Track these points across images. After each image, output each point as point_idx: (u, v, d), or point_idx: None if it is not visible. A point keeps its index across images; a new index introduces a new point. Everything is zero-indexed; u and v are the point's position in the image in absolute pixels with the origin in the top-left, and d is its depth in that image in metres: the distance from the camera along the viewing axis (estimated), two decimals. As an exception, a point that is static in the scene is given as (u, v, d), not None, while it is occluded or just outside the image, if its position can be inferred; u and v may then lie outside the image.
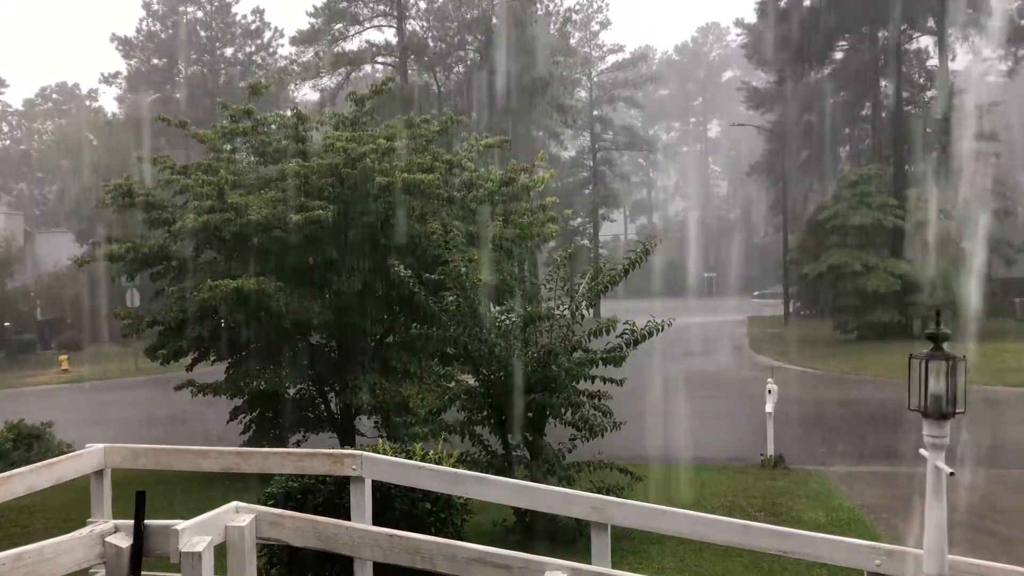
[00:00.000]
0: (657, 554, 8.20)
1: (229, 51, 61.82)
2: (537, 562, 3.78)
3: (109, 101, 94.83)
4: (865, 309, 33.41)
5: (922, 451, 3.94)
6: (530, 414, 9.01)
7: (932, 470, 3.88)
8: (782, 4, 44.21)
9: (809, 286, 39.22)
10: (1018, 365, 22.51)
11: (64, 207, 55.90)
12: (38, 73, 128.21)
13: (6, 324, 40.61)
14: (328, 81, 51.86)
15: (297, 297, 12.12)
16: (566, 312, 9.16)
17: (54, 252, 45.61)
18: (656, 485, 10.37)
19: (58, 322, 45.29)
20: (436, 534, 5.92)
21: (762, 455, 12.98)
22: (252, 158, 14.31)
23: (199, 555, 3.74)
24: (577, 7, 59.63)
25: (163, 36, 60.68)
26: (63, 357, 34.68)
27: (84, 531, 4.00)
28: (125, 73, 62.95)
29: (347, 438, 12.93)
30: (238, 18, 61.22)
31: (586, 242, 57.64)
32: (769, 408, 13.10)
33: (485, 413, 9.28)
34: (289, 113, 14.54)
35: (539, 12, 51.43)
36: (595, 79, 65.12)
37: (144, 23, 60.65)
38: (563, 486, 7.98)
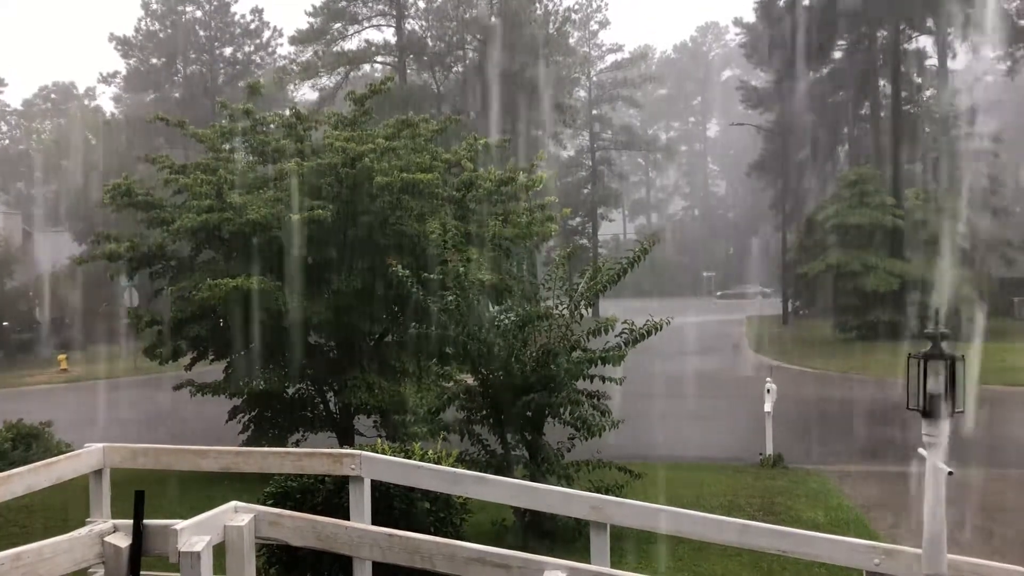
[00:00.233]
0: (656, 553, 8.20)
1: (228, 51, 61.79)
2: (536, 561, 3.78)
3: (108, 101, 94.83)
4: (864, 308, 33.43)
5: (921, 450, 3.94)
6: (529, 413, 9.01)
7: (931, 469, 3.88)
8: (781, 4, 44.23)
9: (808, 285, 39.23)
10: (1018, 364, 22.52)
11: (63, 207, 55.85)
12: (37, 73, 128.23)
13: (5, 324, 40.58)
14: (327, 81, 51.92)
15: (296, 297, 12.12)
16: (565, 311, 9.16)
17: (53, 252, 45.56)
18: (655, 484, 10.37)
19: (57, 321, 45.25)
20: (435, 534, 5.92)
21: (761, 454, 12.99)
22: (251, 158, 14.30)
23: (198, 555, 3.73)
24: (576, 7, 59.71)
25: (162, 36, 60.66)
26: (62, 357, 34.65)
27: (83, 531, 4.00)
28: (124, 73, 62.98)
29: (346, 438, 12.93)
30: (237, 18, 61.20)
31: (585, 241, 57.63)
32: (768, 407, 13.11)
33: (484, 412, 9.28)
34: (288, 112, 14.53)
35: (538, 11, 51.43)
36: (594, 78, 65.14)
37: (143, 23, 60.65)
38: (562, 485, 7.97)
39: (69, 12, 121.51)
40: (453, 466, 6.65)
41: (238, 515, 4.16)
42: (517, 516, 8.72)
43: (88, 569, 4.29)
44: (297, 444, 13.06)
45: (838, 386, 22.57)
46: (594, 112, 64.55)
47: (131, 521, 3.97)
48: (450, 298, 9.15)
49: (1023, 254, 37.40)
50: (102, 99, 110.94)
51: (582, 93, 64.20)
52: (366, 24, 52.02)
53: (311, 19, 50.69)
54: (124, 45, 60.41)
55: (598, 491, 7.81)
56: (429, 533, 5.57)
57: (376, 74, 52.86)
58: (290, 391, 13.25)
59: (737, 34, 65.53)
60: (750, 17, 52.96)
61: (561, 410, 8.94)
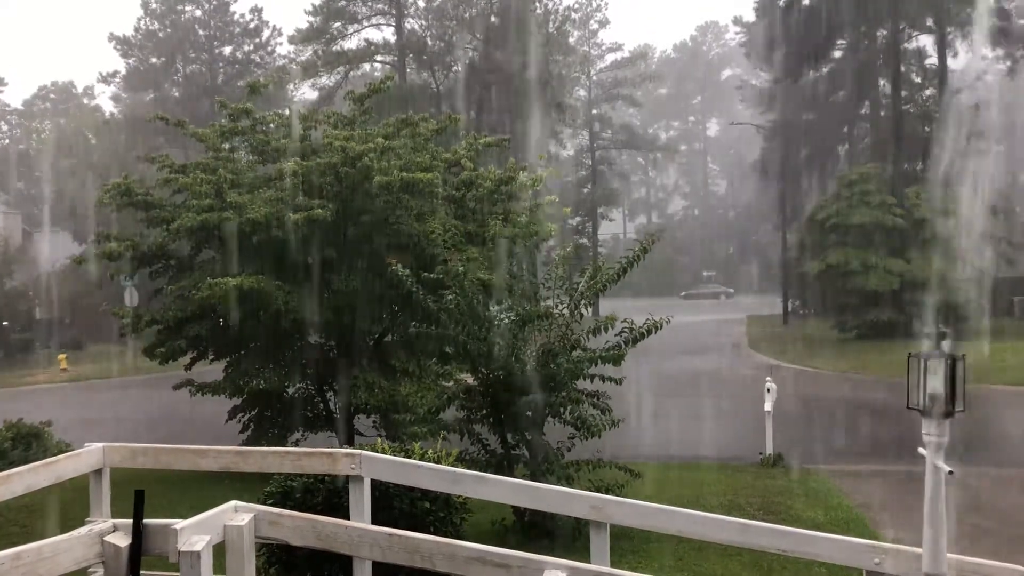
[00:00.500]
0: (656, 553, 8.20)
1: (227, 50, 61.77)
2: (536, 561, 3.78)
3: (107, 100, 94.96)
4: (864, 308, 33.42)
5: (921, 450, 3.94)
6: (529, 413, 9.01)
7: (931, 469, 3.87)
8: (781, 3, 44.21)
9: (808, 285, 39.23)
10: (1018, 364, 22.52)
11: (62, 206, 55.85)
12: (37, 72, 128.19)
13: (5, 323, 40.58)
14: (327, 80, 51.88)
15: (296, 296, 12.12)
16: (565, 311, 9.16)
17: (53, 251, 45.55)
18: (655, 484, 10.38)
19: (57, 321, 45.24)
20: (435, 533, 5.92)
21: (761, 454, 12.99)
22: (251, 157, 14.30)
23: (198, 554, 3.73)
24: (576, 6, 59.67)
25: (161, 35, 60.65)
26: (62, 356, 34.65)
27: (83, 530, 4.00)
28: (123, 72, 62.96)
29: (346, 437, 12.94)
30: (236, 17, 61.19)
31: (585, 241, 57.63)
32: (768, 407, 13.11)
33: (484, 412, 9.28)
34: (288, 112, 14.52)
35: (538, 11, 51.42)
36: (594, 78, 65.15)
37: (142, 22, 60.64)
38: (562, 485, 7.97)
39: (69, 12, 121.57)
40: (453, 465, 6.66)
41: (238, 515, 4.16)
42: (517, 516, 8.73)
43: (88, 568, 4.29)
44: (297, 444, 13.05)
45: (838, 386, 22.57)
46: (594, 111, 64.56)
47: (131, 520, 3.97)
48: (450, 298, 9.15)
49: (1023, 253, 37.42)
50: (101, 99, 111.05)
51: (582, 92, 64.22)
52: (366, 23, 52.03)
53: (311, 18, 50.71)
54: (124, 44, 60.41)
55: (598, 491, 7.80)
56: (429, 533, 5.57)
57: (376, 73, 52.84)
58: (290, 390, 13.25)
59: (737, 33, 65.75)
60: (750, 16, 53.05)
61: (561, 409, 8.95)
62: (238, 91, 37.75)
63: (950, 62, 42.53)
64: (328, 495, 6.41)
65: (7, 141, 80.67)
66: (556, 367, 8.72)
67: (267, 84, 15.97)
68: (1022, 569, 4.40)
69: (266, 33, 61.34)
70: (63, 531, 3.98)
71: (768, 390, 13.33)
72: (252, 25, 61.10)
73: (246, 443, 12.61)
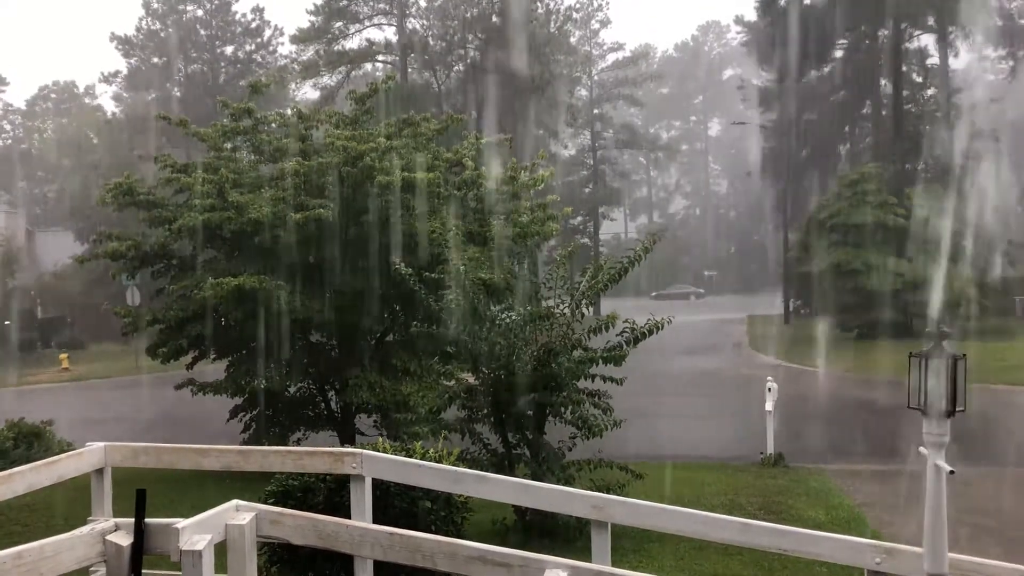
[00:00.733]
0: (657, 552, 8.20)
1: (229, 50, 61.81)
2: (537, 560, 3.78)
3: (109, 100, 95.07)
4: (865, 307, 33.37)
5: (922, 449, 3.94)
6: (530, 412, 9.02)
7: (932, 468, 3.88)
8: (782, 2, 44.20)
9: (809, 284, 39.18)
10: (1020, 363, 22.51)
11: (64, 206, 55.92)
12: (38, 72, 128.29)
13: (7, 323, 40.60)
14: (328, 80, 51.89)
15: (297, 296, 12.13)
16: (566, 310, 9.16)
17: (54, 251, 45.62)
18: (656, 483, 10.36)
19: (59, 320, 45.30)
20: (436, 532, 5.92)
21: (762, 453, 12.99)
22: (252, 157, 14.31)
23: (199, 553, 3.74)
24: (577, 5, 59.63)
25: (163, 35, 60.71)
26: (63, 356, 34.69)
27: (85, 529, 4.01)
28: (125, 72, 63.02)
29: (347, 436, 12.94)
30: (238, 16, 61.22)
31: (586, 240, 57.64)
32: (769, 406, 13.11)
33: (485, 411, 9.29)
34: (289, 112, 14.53)
35: (539, 10, 51.42)
36: (595, 77, 65.12)
37: (144, 22, 60.74)
38: (563, 484, 7.98)
39: (70, 11, 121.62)
40: (454, 465, 6.66)
41: (239, 514, 4.16)
42: (518, 515, 8.73)
43: (90, 568, 4.30)
44: (298, 443, 13.06)
45: (839, 385, 22.56)
46: (595, 111, 64.53)
47: (133, 520, 3.98)
48: (451, 297, 9.15)
49: (1024, 253, 37.37)
50: (103, 98, 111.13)
51: (583, 92, 64.19)
52: (367, 23, 52.06)
53: (312, 18, 50.72)
54: (125, 44, 60.47)
55: (599, 490, 7.80)
56: (430, 532, 5.58)
57: (377, 73, 52.87)
58: (291, 390, 13.26)
59: (738, 33, 65.69)
60: (752, 16, 52.99)
61: (562, 409, 8.95)
62: (240, 91, 37.75)
63: (951, 62, 42.54)
64: (329, 494, 6.42)
65: (9, 141, 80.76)
66: (557, 367, 8.72)
67: (269, 84, 15.99)
68: (1022, 568, 4.40)
69: (268, 33, 61.43)
70: (65, 530, 3.99)
71: (769, 390, 13.33)
72: (254, 25, 61.15)
73: (247, 442, 12.62)
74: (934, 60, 43.56)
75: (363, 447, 6.43)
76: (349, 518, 5.01)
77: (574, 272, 10.27)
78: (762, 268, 69.15)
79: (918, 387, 3.92)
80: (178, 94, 58.79)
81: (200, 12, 61.05)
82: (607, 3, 78.91)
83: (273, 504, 5.99)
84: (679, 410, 18.46)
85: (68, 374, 32.43)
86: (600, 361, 8.89)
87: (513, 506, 8.33)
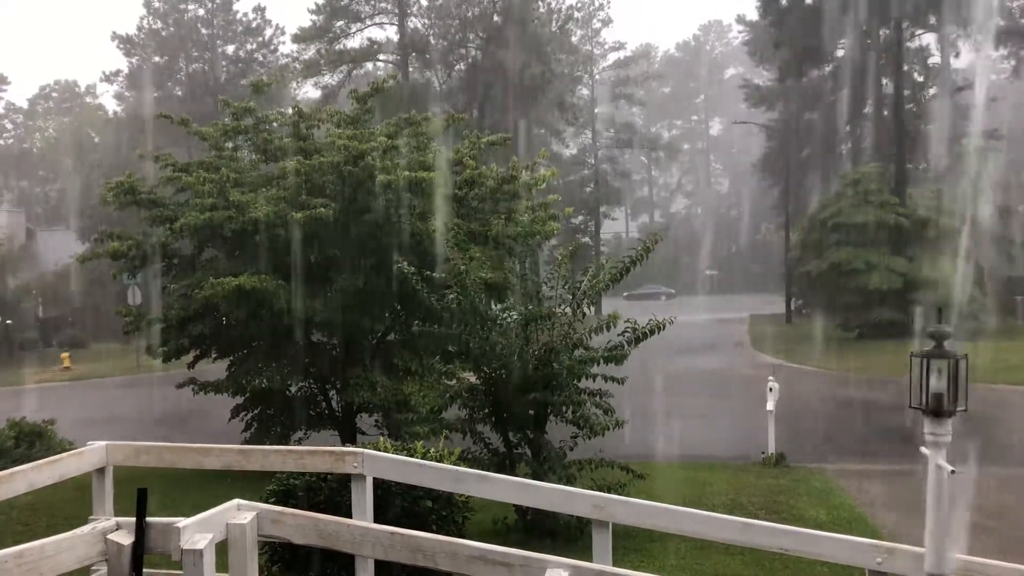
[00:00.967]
0: (658, 552, 8.20)
1: (230, 49, 61.87)
2: (538, 560, 3.78)
3: (110, 99, 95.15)
4: (867, 307, 33.36)
5: (923, 449, 3.94)
6: (531, 412, 9.02)
7: (933, 468, 3.88)
8: (784, 2, 44.16)
9: (811, 284, 39.17)
10: (1021, 363, 22.49)
11: (66, 205, 55.96)
12: (40, 71, 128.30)
13: (8, 322, 40.65)
14: (329, 79, 51.88)
15: (299, 295, 12.12)
16: (567, 310, 9.16)
17: (56, 250, 45.65)
18: (657, 483, 10.37)
19: (60, 320, 45.34)
20: (437, 532, 5.93)
21: (763, 453, 12.98)
22: (254, 156, 14.32)
23: (200, 552, 3.74)
24: (579, 5, 59.57)
25: (164, 34, 60.76)
26: (65, 355, 34.72)
27: (86, 528, 4.01)
28: (126, 71, 63.04)
29: (348, 436, 12.94)
30: (239, 16, 61.27)
31: (587, 240, 57.60)
32: (770, 406, 13.11)
33: (486, 411, 9.29)
34: (291, 111, 14.54)
35: (540, 9, 51.40)
36: (597, 77, 65.10)
37: (145, 21, 60.78)
38: (564, 484, 7.98)
39: (71, 11, 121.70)
40: (455, 464, 6.66)
41: (240, 513, 4.16)
42: (519, 514, 8.73)
43: (91, 567, 4.30)
44: (299, 442, 13.07)
45: (840, 385, 22.55)
46: (597, 110, 64.51)
47: (134, 519, 3.98)
48: (452, 296, 9.15)
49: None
50: (105, 97, 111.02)
51: (585, 91, 64.16)
52: (369, 22, 52.03)
53: (314, 17, 50.71)
54: (127, 43, 60.51)
55: (600, 490, 7.80)
56: (431, 531, 5.58)
57: (379, 72, 52.87)
58: (293, 389, 13.26)
59: (740, 32, 65.64)
60: (753, 15, 52.94)
61: (564, 409, 8.94)
62: (241, 90, 37.79)
63: (953, 61, 42.51)
64: (331, 494, 6.42)
65: (11, 140, 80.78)
66: (558, 366, 8.72)
67: (270, 83, 15.99)
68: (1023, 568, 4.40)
69: (269, 32, 61.48)
70: (66, 529, 3.99)
71: (770, 389, 13.32)
72: (255, 24, 61.19)
73: (248, 442, 12.62)
74: (935, 59, 43.55)
75: (364, 446, 6.43)
76: (350, 517, 5.01)
77: (575, 272, 10.27)
78: (763, 268, 69.14)
79: (919, 387, 3.92)
80: (179, 93, 58.82)
81: (201, 11, 61.10)
82: (608, 2, 79.12)
83: (274, 503, 5.99)
84: (680, 410, 18.43)
85: (69, 373, 32.46)
86: (601, 360, 8.89)
87: (514, 506, 8.33)
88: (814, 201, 40.72)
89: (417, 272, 9.89)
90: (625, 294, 66.38)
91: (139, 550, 3.95)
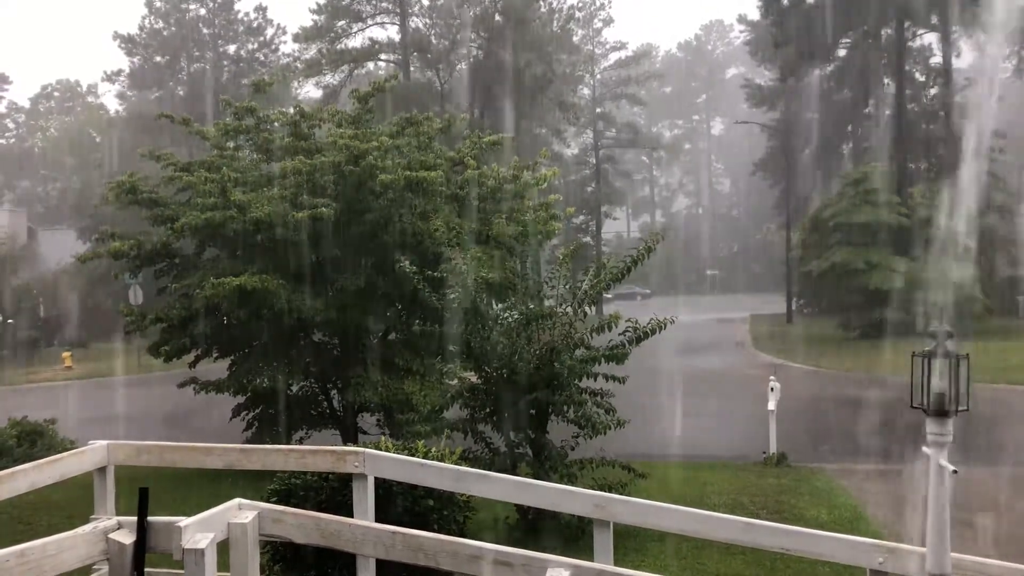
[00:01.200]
0: (659, 551, 8.20)
1: (232, 48, 61.86)
2: (539, 559, 3.78)
3: (112, 99, 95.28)
4: (868, 307, 33.32)
5: (925, 449, 3.94)
6: (532, 411, 9.01)
7: (935, 468, 3.87)
8: (785, 1, 44.12)
9: (812, 284, 39.15)
10: (1022, 363, 22.47)
11: (67, 204, 55.99)
12: (41, 71, 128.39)
13: (10, 321, 40.67)
14: (331, 79, 51.88)
15: (300, 295, 12.13)
16: (568, 310, 9.16)
17: (57, 249, 45.67)
18: (658, 483, 10.36)
19: (62, 319, 45.36)
20: (438, 531, 5.92)
21: (764, 453, 12.97)
22: (255, 155, 14.32)
23: (202, 552, 3.74)
24: (580, 4, 59.54)
25: (166, 33, 60.75)
26: (66, 354, 34.74)
27: (87, 528, 4.02)
28: (128, 71, 63.03)
29: (349, 435, 12.95)
30: (240, 15, 61.26)
31: (589, 240, 57.57)
32: (772, 406, 13.10)
33: (488, 410, 9.29)
34: (292, 111, 14.55)
35: (542, 9, 51.40)
36: (598, 76, 65.06)
37: (147, 20, 60.74)
38: (565, 483, 7.98)
39: (73, 10, 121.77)
40: (456, 464, 6.66)
41: (242, 512, 4.17)
42: (520, 514, 8.73)
43: (93, 565, 4.30)
44: (301, 441, 13.07)
45: (841, 385, 22.53)
46: (598, 110, 64.45)
47: (135, 518, 3.98)
48: (453, 296, 9.15)
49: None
50: (106, 97, 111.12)
51: (586, 91, 64.13)
52: (370, 22, 52.04)
53: (315, 16, 50.72)
54: (128, 43, 60.49)
55: (601, 489, 7.80)
56: (432, 531, 5.58)
57: (380, 72, 52.87)
58: (294, 388, 13.27)
59: (742, 32, 65.66)
60: (754, 15, 52.92)
61: (565, 408, 8.94)
62: (242, 89, 37.82)
63: (955, 61, 42.43)
64: (332, 493, 6.42)
65: (13, 139, 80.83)
66: (559, 366, 8.72)
67: (271, 83, 15.99)
68: (1025, 568, 4.40)
69: (270, 31, 61.47)
70: (68, 528, 3.99)
71: (772, 389, 13.32)
72: (256, 23, 61.17)
73: (250, 441, 12.62)
74: (937, 59, 43.49)
75: (366, 446, 6.43)
76: (351, 517, 5.01)
77: (576, 271, 10.27)
78: (765, 267, 69.08)
79: (921, 386, 3.91)
80: (181, 93, 58.83)
81: (203, 11, 61.10)
82: (609, 2, 78.95)
83: (275, 503, 6.00)
84: (681, 409, 18.43)
85: (71, 372, 32.48)
86: (602, 360, 8.89)
87: (515, 505, 8.33)
88: (815, 201, 40.71)
89: (418, 272, 9.89)
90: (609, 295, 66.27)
91: (140, 549, 3.95)
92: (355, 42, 52.18)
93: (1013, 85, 45.39)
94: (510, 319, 9.12)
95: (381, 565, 4.66)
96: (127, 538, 3.96)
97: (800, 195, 47.15)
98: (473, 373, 9.73)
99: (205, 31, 61.18)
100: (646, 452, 12.79)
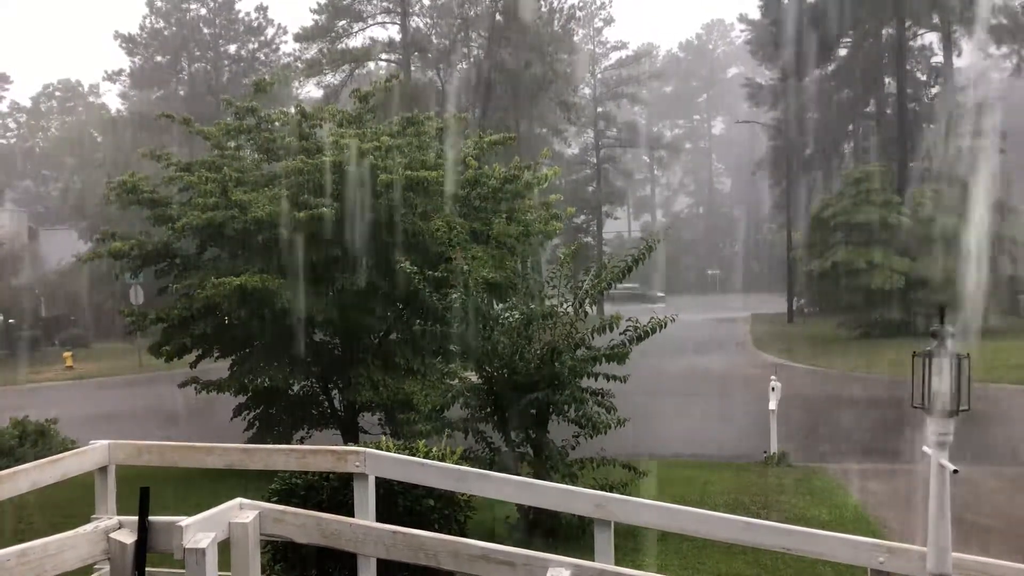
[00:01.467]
0: (660, 551, 8.20)
1: (232, 48, 61.87)
2: (540, 559, 3.79)
3: (113, 98, 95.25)
4: (869, 306, 33.33)
5: (925, 448, 3.93)
6: (533, 411, 9.01)
7: (936, 468, 3.87)
8: (786, 1, 44.12)
9: (813, 283, 39.13)
10: (1022, 362, 22.45)
11: (68, 204, 55.98)
12: (43, 70, 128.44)
13: (11, 321, 40.70)
14: (332, 78, 51.89)
15: (300, 294, 12.13)
16: (569, 309, 9.16)
17: (58, 249, 45.70)
18: (659, 482, 10.36)
19: (63, 319, 45.39)
20: (439, 531, 5.92)
21: (765, 452, 12.97)
22: (256, 155, 14.32)
23: (203, 551, 3.75)
24: (580, 4, 59.50)
25: (167, 33, 60.77)
26: (67, 354, 34.77)
27: (88, 527, 4.02)
28: (129, 70, 63.05)
29: (350, 435, 12.95)
30: (241, 15, 61.27)
31: (589, 239, 57.57)
32: (772, 405, 13.10)
33: (488, 410, 9.29)
34: (293, 110, 14.55)
35: (542, 9, 51.39)
36: (599, 76, 65.07)
37: (148, 20, 60.76)
38: (566, 483, 7.98)
39: (74, 10, 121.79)
40: (457, 463, 6.66)
41: (243, 512, 4.17)
42: (521, 513, 8.73)
43: (94, 565, 4.30)
44: (302, 441, 13.08)
45: (842, 384, 22.53)
46: (599, 110, 64.47)
47: (136, 517, 3.99)
48: (454, 296, 9.15)
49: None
50: (107, 97, 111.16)
51: (587, 90, 64.14)
52: (371, 21, 52.05)
53: (316, 16, 50.74)
54: (129, 43, 60.52)
55: (602, 489, 7.80)
56: (433, 530, 5.58)
57: (381, 71, 52.86)
58: (295, 388, 13.27)
59: (743, 31, 65.55)
60: (755, 14, 52.90)
61: (565, 408, 8.94)
62: (243, 89, 37.78)
63: (955, 60, 42.43)
64: (333, 493, 6.41)
65: (14, 139, 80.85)
66: (560, 365, 8.72)
67: (272, 82, 15.99)
68: (1027, 568, 4.39)
69: (271, 31, 61.49)
70: (69, 528, 3.99)
71: (773, 388, 13.32)
72: (257, 23, 61.18)
73: (251, 441, 12.63)
74: (938, 58, 43.48)
75: (367, 446, 6.44)
76: (352, 517, 5.02)
77: (577, 271, 10.26)
78: (765, 267, 69.05)
79: (922, 386, 3.91)
80: (182, 93, 58.86)
81: (204, 11, 61.11)
82: (610, 2, 78.94)
83: (277, 502, 5.99)
84: (682, 409, 18.44)
85: (72, 372, 32.50)
86: (603, 359, 8.89)
87: (516, 505, 8.33)
88: (816, 200, 40.68)
89: (419, 272, 9.89)
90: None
91: (142, 549, 3.96)
92: (356, 42, 52.22)
93: (1013, 83, 45.37)
94: (511, 319, 9.12)
95: (382, 565, 4.66)
96: (128, 538, 3.96)
97: (801, 194, 47.13)
98: (473, 373, 9.73)
99: (206, 31, 61.19)
100: (647, 452, 12.79)
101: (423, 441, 7.49)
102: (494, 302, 10.04)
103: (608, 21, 64.42)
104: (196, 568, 3.75)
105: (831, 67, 46.26)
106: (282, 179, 12.86)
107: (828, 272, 34.52)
